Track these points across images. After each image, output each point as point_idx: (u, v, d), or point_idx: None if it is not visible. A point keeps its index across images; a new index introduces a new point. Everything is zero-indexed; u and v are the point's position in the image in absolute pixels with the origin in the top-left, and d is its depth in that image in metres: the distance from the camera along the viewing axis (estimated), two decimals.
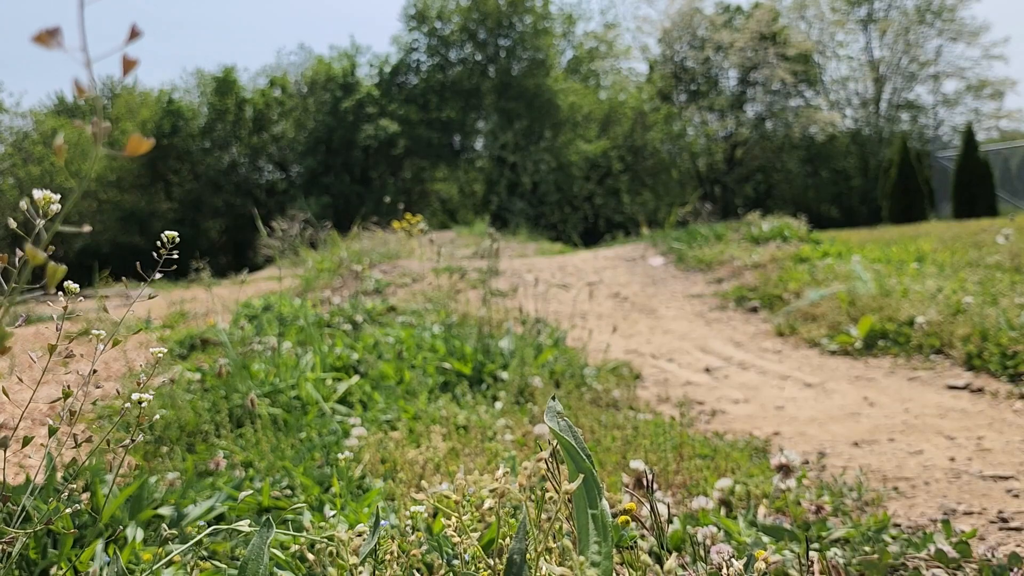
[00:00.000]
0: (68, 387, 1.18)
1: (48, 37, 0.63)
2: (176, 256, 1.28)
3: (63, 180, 22.68)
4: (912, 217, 17.44)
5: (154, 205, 25.88)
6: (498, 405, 3.73)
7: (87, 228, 0.77)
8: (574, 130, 27.70)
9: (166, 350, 1.40)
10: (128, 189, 25.76)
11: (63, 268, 0.72)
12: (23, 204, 1.01)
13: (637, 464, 2.26)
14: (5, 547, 1.16)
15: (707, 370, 5.31)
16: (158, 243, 1.28)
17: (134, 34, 0.65)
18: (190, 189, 26.54)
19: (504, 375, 4.25)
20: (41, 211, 0.99)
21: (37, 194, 1.00)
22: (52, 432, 1.16)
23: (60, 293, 1.19)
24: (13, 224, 0.98)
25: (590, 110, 28.32)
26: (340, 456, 2.16)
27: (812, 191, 28.85)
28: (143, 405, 1.26)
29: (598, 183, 27.78)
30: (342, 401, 3.80)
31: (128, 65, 0.66)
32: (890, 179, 18.47)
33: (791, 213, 15.71)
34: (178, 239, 1.29)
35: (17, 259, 0.93)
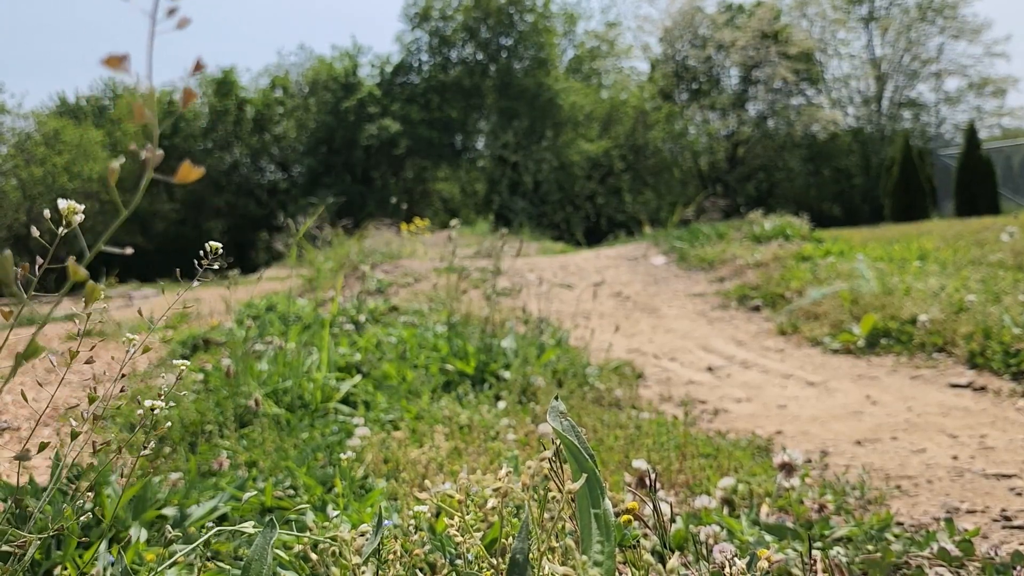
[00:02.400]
0: (94, 390, 1.18)
1: (117, 62, 0.63)
2: (213, 259, 1.28)
3: (65, 182, 22.71)
4: (914, 215, 17.42)
5: (156, 206, 25.89)
6: (501, 404, 3.73)
7: (129, 250, 0.77)
8: (575, 129, 27.69)
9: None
10: (130, 189, 25.50)
11: (100, 287, 0.73)
12: (47, 213, 1.02)
13: (640, 463, 2.27)
14: (18, 550, 1.16)
15: (709, 369, 5.30)
16: (202, 252, 1.29)
17: (198, 67, 0.65)
18: (192, 190, 26.55)
19: (507, 375, 4.25)
20: (65, 220, 1.00)
21: (62, 204, 1.01)
22: (74, 436, 1.17)
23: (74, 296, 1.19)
24: (36, 233, 0.99)
25: (591, 109, 28.31)
26: (343, 456, 2.16)
27: (814, 190, 28.84)
28: (155, 412, 1.26)
29: (600, 182, 27.78)
30: (345, 401, 3.81)
31: (188, 96, 0.66)
32: (892, 177, 18.44)
33: (793, 212, 15.70)
34: (221, 250, 1.29)
35: (38, 267, 0.94)
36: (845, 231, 14.59)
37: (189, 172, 0.67)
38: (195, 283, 1.27)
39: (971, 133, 17.50)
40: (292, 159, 28.13)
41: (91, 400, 1.16)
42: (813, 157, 28.94)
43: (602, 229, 25.79)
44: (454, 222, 5.14)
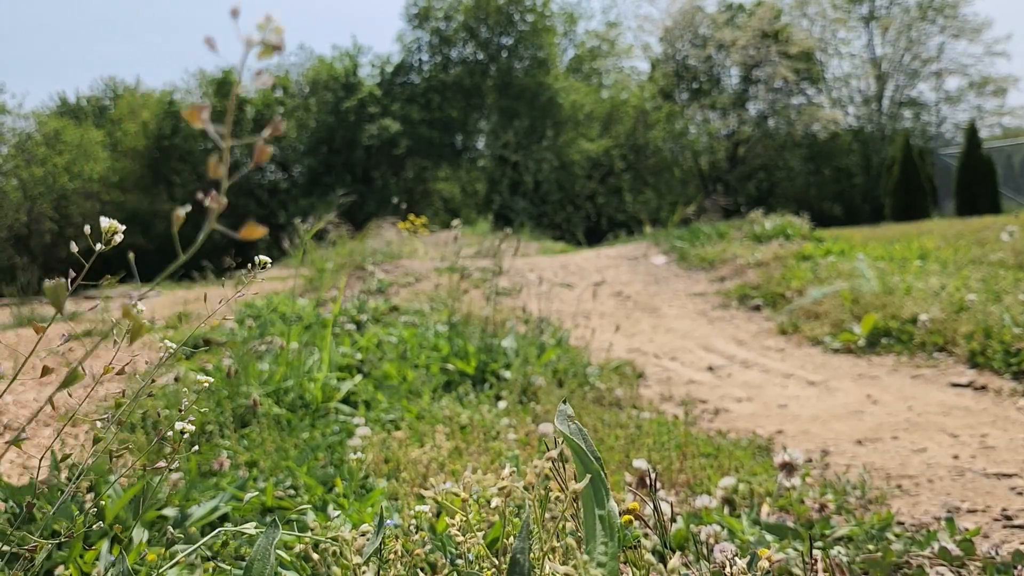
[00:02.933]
0: (124, 393, 1.19)
1: (196, 114, 0.66)
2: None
3: (65, 182, 22.71)
4: (915, 215, 17.41)
5: (156, 206, 25.89)
6: (501, 404, 3.74)
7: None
8: (576, 129, 27.68)
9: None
10: (131, 190, 25.79)
11: (148, 325, 0.74)
12: (87, 229, 1.03)
13: (640, 463, 2.27)
14: (27, 553, 1.17)
15: (710, 368, 5.30)
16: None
17: (276, 130, 0.68)
18: (192, 190, 26.52)
19: (507, 374, 4.25)
20: (105, 238, 1.01)
21: (104, 222, 1.02)
22: (96, 441, 1.17)
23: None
24: (75, 249, 1.00)
25: (592, 109, 28.30)
26: (352, 457, 2.16)
27: (814, 189, 28.82)
28: (185, 436, 1.26)
29: (600, 182, 27.77)
30: (345, 401, 3.81)
31: (261, 154, 0.68)
32: (893, 177, 18.43)
33: (793, 211, 15.68)
34: (269, 264, 1.31)
35: (70, 281, 0.94)
36: (846, 230, 14.59)
37: (254, 230, 0.69)
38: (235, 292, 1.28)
39: (972, 132, 17.50)
40: (292, 159, 28.12)
41: (118, 405, 1.16)
42: (814, 156, 28.92)
43: (602, 229, 25.77)
44: (456, 222, 5.14)
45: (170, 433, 1.26)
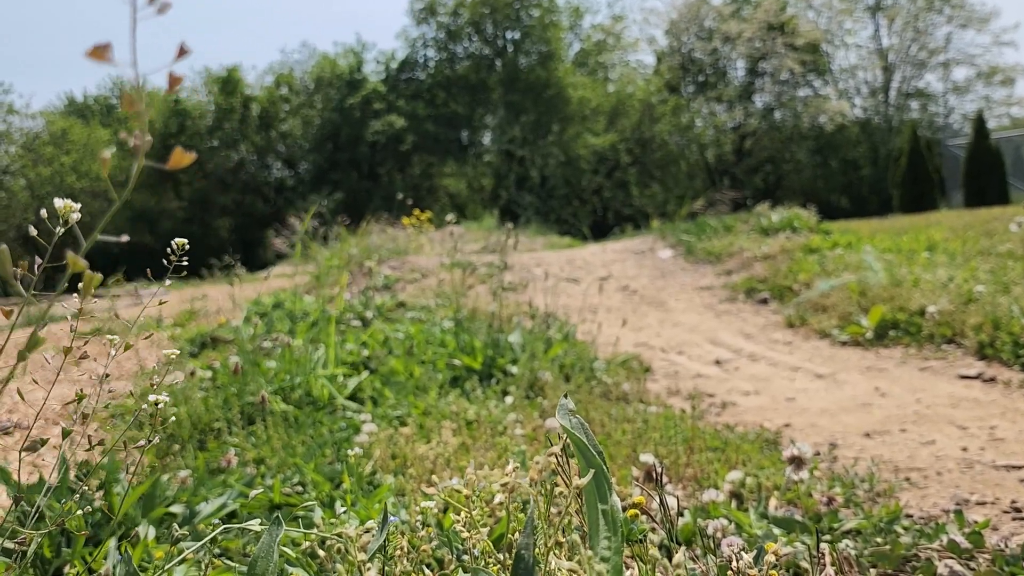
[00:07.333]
0: (81, 390, 1.19)
1: (101, 52, 0.64)
2: (186, 257, 1.29)
3: (73, 181, 22.79)
4: (922, 206, 17.32)
5: (163, 204, 25.96)
6: (508, 400, 3.73)
7: (125, 238, 0.78)
8: (582, 123, 27.65)
9: (178, 348, 1.41)
10: (137, 188, 25.82)
11: (99, 276, 0.73)
12: (43, 212, 1.03)
13: (647, 457, 2.26)
14: (19, 547, 1.17)
15: (717, 362, 5.29)
16: (168, 249, 1.29)
17: (182, 52, 0.66)
18: (199, 188, 26.60)
19: (514, 370, 4.25)
20: (61, 219, 1.01)
21: (58, 203, 1.02)
22: (66, 435, 1.17)
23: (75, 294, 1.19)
24: (34, 232, 1.00)
25: (598, 103, 28.25)
26: (351, 453, 2.16)
27: (822, 181, 28.72)
28: (159, 407, 1.26)
29: (606, 176, 27.74)
30: (352, 397, 3.82)
31: (174, 82, 0.67)
32: (900, 168, 18.35)
33: (800, 203, 15.60)
34: (187, 245, 1.30)
35: (36, 266, 0.94)
36: (853, 223, 14.52)
37: (181, 158, 0.67)
38: (165, 285, 1.27)
39: (979, 123, 17.39)
40: (298, 156, 28.18)
41: (79, 399, 1.17)
42: (820, 149, 28.82)
43: (609, 223, 25.71)
44: (450, 216, 5.13)
45: (157, 414, 1.26)
